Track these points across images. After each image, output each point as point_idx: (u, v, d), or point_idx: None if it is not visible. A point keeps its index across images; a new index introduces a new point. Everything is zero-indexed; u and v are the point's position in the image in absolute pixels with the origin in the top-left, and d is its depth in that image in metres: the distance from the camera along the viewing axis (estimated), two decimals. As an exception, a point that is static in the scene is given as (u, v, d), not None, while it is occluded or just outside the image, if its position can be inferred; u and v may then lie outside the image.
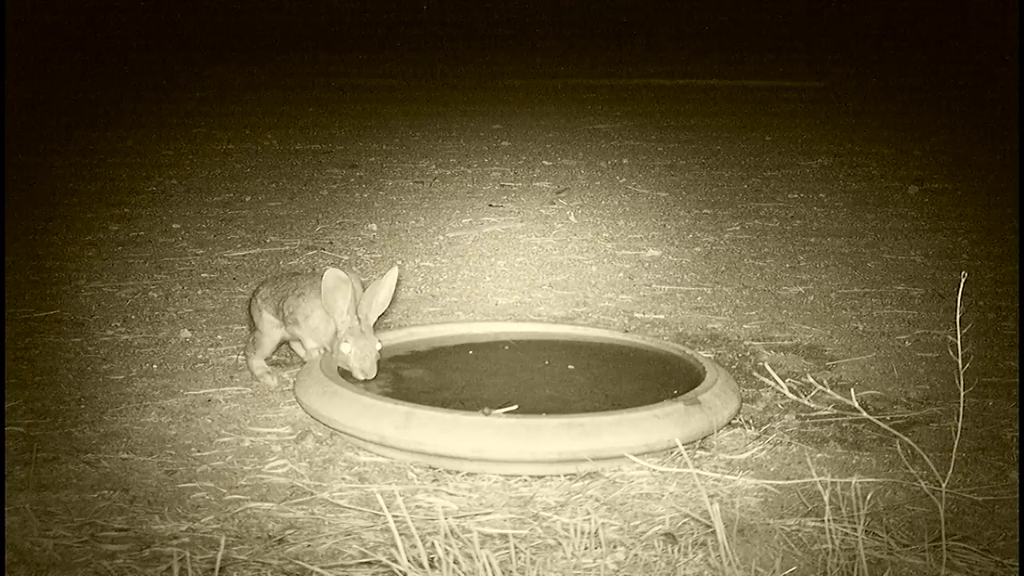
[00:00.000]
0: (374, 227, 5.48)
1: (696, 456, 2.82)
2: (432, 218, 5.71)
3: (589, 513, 2.47)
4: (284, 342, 3.46)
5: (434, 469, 2.73)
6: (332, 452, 2.86)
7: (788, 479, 2.70)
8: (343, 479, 2.70)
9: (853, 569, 2.21)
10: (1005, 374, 3.51)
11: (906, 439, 2.70)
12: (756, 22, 17.91)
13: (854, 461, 2.85)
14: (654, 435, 2.70)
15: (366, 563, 2.27)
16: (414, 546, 2.15)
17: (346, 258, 4.92)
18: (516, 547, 2.25)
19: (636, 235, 5.39)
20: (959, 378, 2.41)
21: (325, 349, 3.23)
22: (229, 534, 2.40)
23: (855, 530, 2.25)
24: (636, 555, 2.30)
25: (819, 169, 7.22)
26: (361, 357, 3.07)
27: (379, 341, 3.15)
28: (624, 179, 6.78)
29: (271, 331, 3.37)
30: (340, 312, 3.10)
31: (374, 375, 3.07)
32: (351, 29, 17.48)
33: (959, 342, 2.42)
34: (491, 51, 14.75)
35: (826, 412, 3.11)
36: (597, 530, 2.33)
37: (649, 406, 2.76)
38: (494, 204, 6.04)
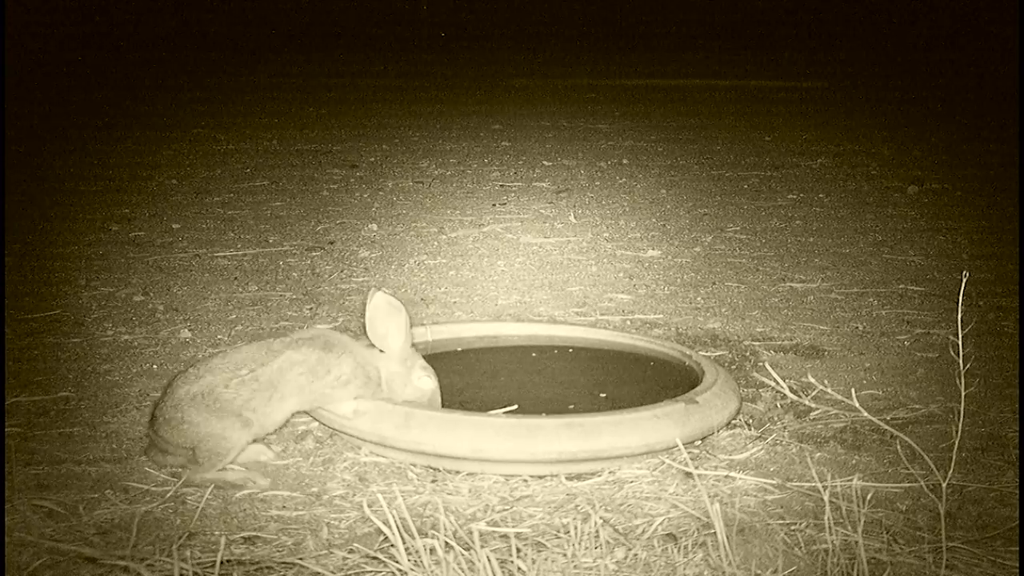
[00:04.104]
0: (374, 227, 5.48)
1: (696, 456, 2.82)
2: (432, 218, 5.71)
3: (589, 513, 2.47)
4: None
5: (434, 469, 2.73)
6: (332, 452, 2.86)
7: (788, 479, 2.70)
8: (343, 479, 2.70)
9: (853, 569, 2.21)
10: (1005, 374, 3.51)
11: (906, 439, 2.70)
12: (757, 22, 17.90)
13: (854, 461, 2.84)
14: (654, 435, 2.70)
15: (366, 563, 2.27)
16: (414, 546, 2.14)
17: (347, 257, 4.92)
18: (516, 547, 2.25)
19: (636, 235, 5.39)
20: (959, 378, 2.41)
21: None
22: (229, 534, 2.40)
23: (855, 530, 2.25)
24: (636, 555, 2.30)
25: (819, 169, 7.23)
26: (436, 391, 2.80)
27: None
28: (624, 179, 6.78)
29: (238, 433, 2.61)
30: (399, 342, 2.74)
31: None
32: (351, 29, 17.47)
33: (959, 342, 2.42)
34: (491, 51, 14.74)
35: (826, 412, 3.11)
36: (597, 530, 2.33)
37: (649, 406, 2.76)
38: (497, 204, 6.04)
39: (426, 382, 2.79)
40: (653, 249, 5.11)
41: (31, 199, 6.01)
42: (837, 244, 5.26)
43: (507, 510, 2.54)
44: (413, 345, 2.84)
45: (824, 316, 4.15)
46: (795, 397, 3.06)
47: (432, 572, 2.13)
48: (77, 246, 5.05)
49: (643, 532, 2.42)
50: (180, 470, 2.67)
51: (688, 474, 2.66)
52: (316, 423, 2.96)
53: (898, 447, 2.81)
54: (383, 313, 2.74)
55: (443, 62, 13.63)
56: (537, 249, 5.11)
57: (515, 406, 2.86)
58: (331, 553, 2.33)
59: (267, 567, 2.25)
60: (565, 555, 2.28)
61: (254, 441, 2.73)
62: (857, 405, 2.61)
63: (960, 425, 2.48)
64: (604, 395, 3.05)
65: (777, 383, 2.84)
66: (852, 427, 3.04)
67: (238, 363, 2.63)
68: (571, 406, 2.91)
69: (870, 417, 2.73)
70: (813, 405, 3.10)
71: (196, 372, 2.63)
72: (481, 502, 2.58)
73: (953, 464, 2.44)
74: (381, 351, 2.78)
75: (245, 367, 2.62)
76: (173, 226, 5.46)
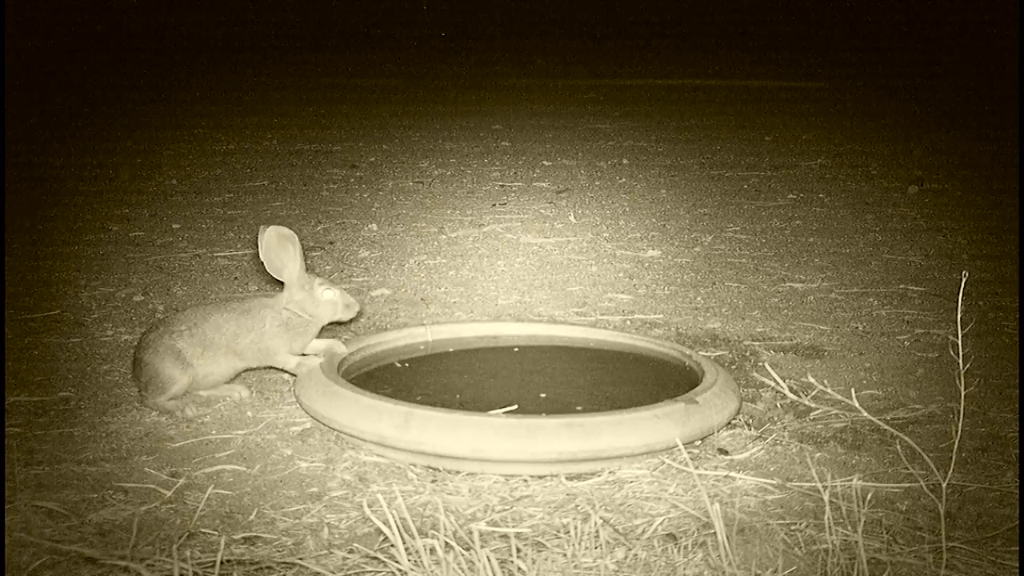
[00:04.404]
0: (374, 227, 5.48)
1: (696, 456, 2.82)
2: (432, 218, 5.71)
3: (589, 513, 2.47)
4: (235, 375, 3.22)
5: (434, 469, 2.73)
6: (333, 452, 2.86)
7: (788, 479, 2.70)
8: (343, 479, 2.70)
9: (853, 569, 2.21)
10: (1005, 374, 3.51)
11: (906, 439, 2.70)
12: (757, 22, 17.92)
13: (854, 461, 2.85)
14: (654, 435, 2.70)
15: (366, 563, 2.27)
16: (414, 546, 2.14)
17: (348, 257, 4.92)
18: (516, 547, 2.25)
19: (636, 235, 5.39)
20: (959, 378, 2.41)
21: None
22: (229, 534, 2.40)
23: (855, 530, 2.25)
24: (636, 555, 2.30)
25: (819, 169, 7.23)
26: (344, 294, 3.12)
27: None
28: (624, 179, 6.78)
29: (180, 377, 3.06)
30: (295, 270, 3.05)
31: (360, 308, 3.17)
32: (351, 29, 17.48)
33: (959, 342, 2.42)
34: (491, 51, 14.75)
35: (826, 412, 3.11)
36: (597, 530, 2.33)
37: (649, 406, 2.76)
38: (497, 204, 6.04)
39: (328, 293, 3.10)
40: (653, 249, 5.11)
41: (31, 199, 6.01)
42: (837, 244, 5.26)
43: (507, 510, 2.54)
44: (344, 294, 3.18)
45: (824, 316, 4.15)
46: (795, 397, 3.06)
47: (432, 572, 2.13)
48: (77, 246, 5.05)
49: (643, 532, 2.42)
50: (174, 474, 2.68)
51: (688, 474, 2.66)
52: (315, 423, 2.97)
53: (898, 447, 2.81)
54: (275, 245, 3.03)
55: (443, 62, 13.64)
56: (537, 249, 5.11)
57: (515, 406, 2.86)
58: (331, 553, 2.33)
59: (267, 567, 2.25)
60: (565, 555, 2.28)
61: (230, 381, 3.19)
62: (857, 405, 2.61)
63: (960, 425, 2.48)
64: (544, 395, 3.04)
65: (777, 383, 2.84)
66: (852, 427, 3.04)
67: (182, 320, 3.10)
68: (554, 410, 2.91)
69: (870, 417, 2.73)
70: (813, 405, 3.10)
71: (157, 327, 3.11)
72: (481, 502, 2.58)
73: (953, 464, 2.44)
74: (281, 282, 3.09)
75: (184, 324, 3.08)
76: (173, 226, 5.46)
